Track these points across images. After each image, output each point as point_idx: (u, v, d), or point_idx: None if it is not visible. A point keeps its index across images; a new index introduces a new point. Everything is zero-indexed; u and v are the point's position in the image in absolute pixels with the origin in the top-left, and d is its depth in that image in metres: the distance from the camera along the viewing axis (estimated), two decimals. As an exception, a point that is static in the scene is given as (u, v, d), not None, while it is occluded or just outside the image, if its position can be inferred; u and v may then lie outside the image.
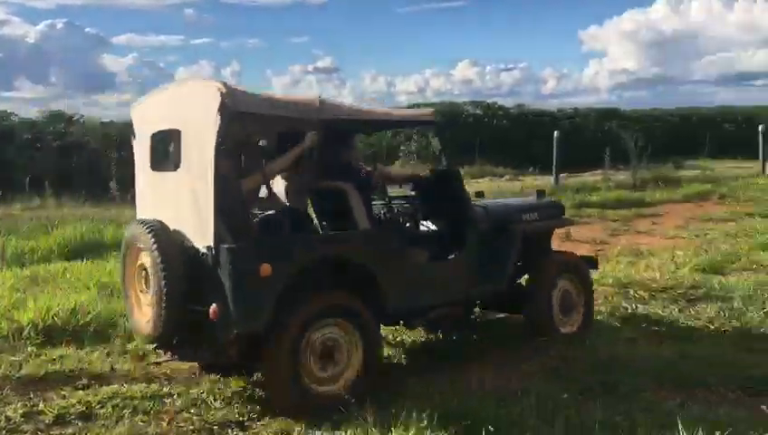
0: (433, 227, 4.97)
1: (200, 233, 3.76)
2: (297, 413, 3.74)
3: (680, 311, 5.72)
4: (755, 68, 59.31)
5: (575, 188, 14.24)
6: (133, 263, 4.12)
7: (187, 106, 4.00)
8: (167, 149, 4.49)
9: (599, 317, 5.54)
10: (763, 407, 3.71)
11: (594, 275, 5.71)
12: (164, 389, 4.28)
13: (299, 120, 4.15)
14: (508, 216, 5.02)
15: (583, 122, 24.08)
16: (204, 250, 3.71)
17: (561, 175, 15.80)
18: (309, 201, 4.83)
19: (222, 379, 4.44)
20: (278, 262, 3.70)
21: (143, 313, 4.04)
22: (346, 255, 4.06)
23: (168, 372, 4.62)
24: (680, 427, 3.20)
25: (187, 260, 3.78)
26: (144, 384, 4.33)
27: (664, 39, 60.09)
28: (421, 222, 4.95)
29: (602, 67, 62.70)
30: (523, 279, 5.27)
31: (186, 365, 4.70)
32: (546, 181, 15.44)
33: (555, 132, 15.13)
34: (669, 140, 23.62)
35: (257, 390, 4.26)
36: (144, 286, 4.02)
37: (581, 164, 19.90)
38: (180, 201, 3.94)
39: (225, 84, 3.68)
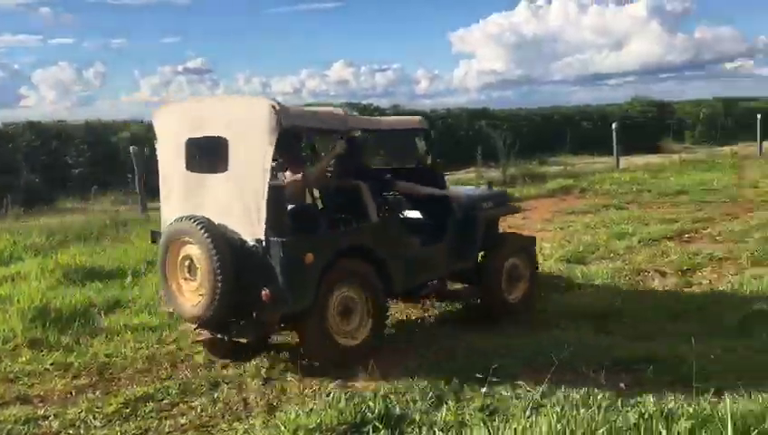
0: (414, 216, 5.76)
1: (249, 228, 4.36)
2: (328, 364, 4.51)
3: (548, 299, 6.10)
4: (607, 69, 63.92)
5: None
6: (175, 255, 4.65)
7: (236, 118, 4.55)
8: (202, 154, 4.92)
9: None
10: (622, 384, 4.10)
11: None
12: (39, 411, 4.10)
13: (330, 130, 5.09)
14: (474, 205, 5.85)
15: (456, 122, 24.87)
16: (253, 243, 4.31)
17: (437, 174, 16.27)
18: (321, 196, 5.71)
19: (101, 396, 4.30)
20: (317, 251, 4.44)
21: (187, 298, 4.62)
22: (363, 243, 4.86)
23: (42, 393, 4.41)
24: (548, 407, 3.48)
25: (234, 250, 4.34)
26: (17, 407, 4.12)
27: (526, 41, 63.38)
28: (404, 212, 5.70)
29: (471, 68, 65.19)
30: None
31: (60, 385, 4.52)
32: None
33: (431, 132, 15.55)
34: (534, 137, 24.97)
35: (139, 405, 4.16)
36: (188, 275, 4.59)
37: (455, 162, 20.60)
38: (225, 200, 4.53)
39: (277, 102, 4.32)
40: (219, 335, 4.74)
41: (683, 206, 11.32)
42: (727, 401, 3.47)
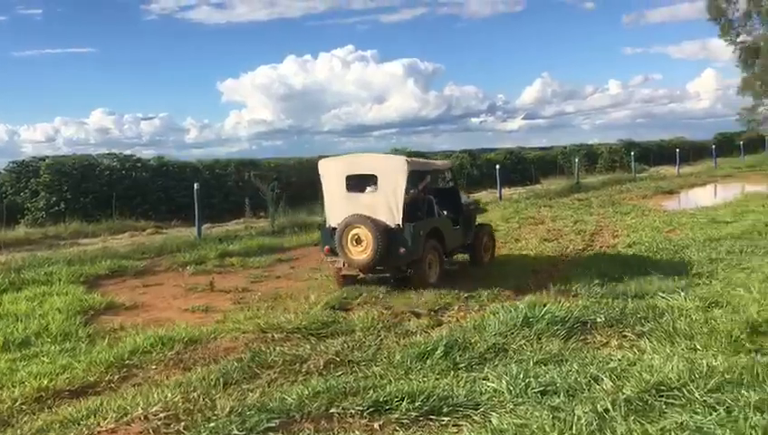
0: (445, 212, 10.39)
1: (390, 218, 8.90)
2: (426, 289, 8.76)
3: (312, 348, 6.21)
4: (372, 121, 68.17)
5: (218, 237, 14.52)
6: (348, 234, 8.95)
7: (383, 164, 9.26)
8: (358, 183, 9.42)
9: (240, 365, 5.77)
10: (376, 425, 4.32)
11: (236, 324, 7.04)
12: None
13: (425, 171, 10.08)
14: (468, 206, 10.93)
15: (224, 172, 24.65)
16: (394, 226, 8.87)
17: (205, 226, 15.95)
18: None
19: None
20: (424, 229, 9.19)
21: (355, 257, 8.97)
22: (437, 226, 9.64)
23: None
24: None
25: (382, 230, 8.78)
26: None
27: (295, 93, 65.44)
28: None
29: (242, 118, 65.49)
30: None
31: None
32: (190, 232, 15.42)
33: (195, 184, 15.21)
34: (305, 186, 25.56)
35: None
36: (356, 244, 8.91)
37: (225, 213, 20.38)
38: (374, 205, 9.03)
39: (408, 157, 9.81)
40: (370, 274, 9.40)
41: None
42: (465, 430, 3.83)
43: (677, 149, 37.83)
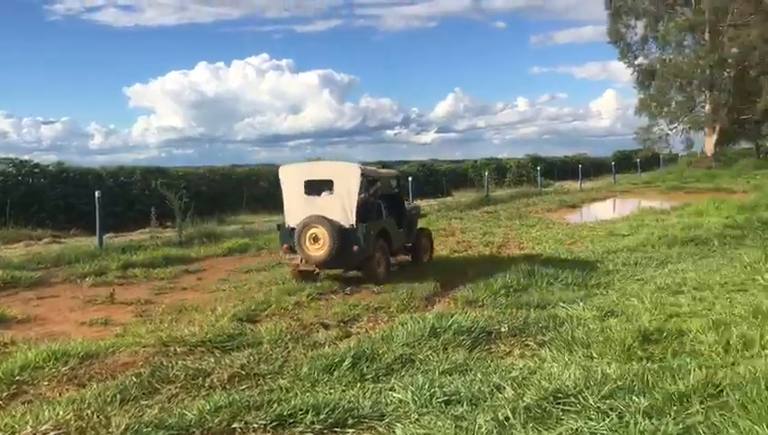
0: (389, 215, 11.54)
1: (345, 219, 9.96)
2: (377, 283, 9.98)
3: (216, 362, 6.05)
4: (286, 131, 67.73)
5: (121, 247, 13.96)
6: (306, 233, 9.93)
7: (339, 171, 10.30)
8: (316, 186, 10.47)
9: (139, 380, 5.54)
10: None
11: (136, 338, 6.75)
12: None
13: (376, 178, 11.16)
14: (411, 211, 12.34)
15: (129, 181, 23.78)
16: (348, 226, 9.92)
17: (107, 235, 15.29)
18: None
19: None
20: (374, 229, 10.38)
21: (312, 254, 9.93)
22: (385, 227, 10.88)
23: None
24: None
25: (337, 230, 9.82)
26: None
27: (207, 100, 64.20)
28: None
29: (151, 124, 63.56)
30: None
31: None
32: (90, 242, 14.76)
33: (97, 192, 14.55)
34: (213, 196, 25.07)
35: None
36: (313, 242, 9.90)
37: (130, 223, 19.66)
38: (330, 207, 10.06)
39: (361, 165, 10.47)
40: (326, 270, 10.43)
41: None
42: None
43: (580, 165, 39.52)
